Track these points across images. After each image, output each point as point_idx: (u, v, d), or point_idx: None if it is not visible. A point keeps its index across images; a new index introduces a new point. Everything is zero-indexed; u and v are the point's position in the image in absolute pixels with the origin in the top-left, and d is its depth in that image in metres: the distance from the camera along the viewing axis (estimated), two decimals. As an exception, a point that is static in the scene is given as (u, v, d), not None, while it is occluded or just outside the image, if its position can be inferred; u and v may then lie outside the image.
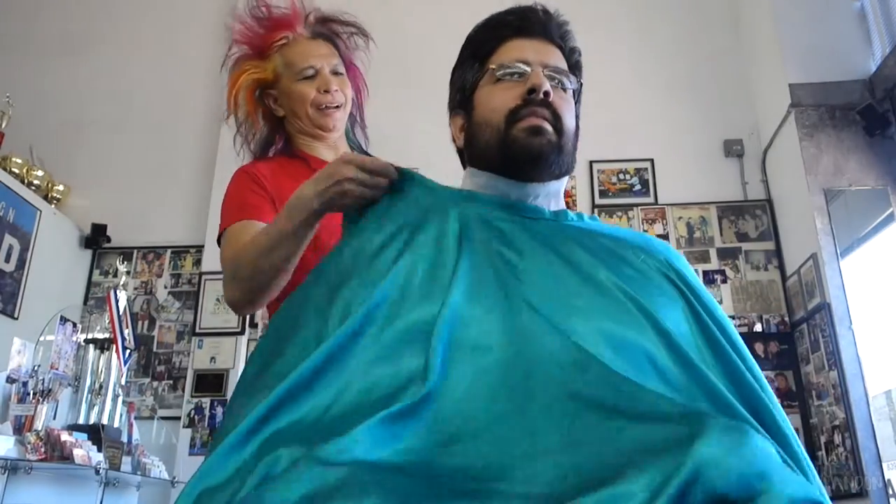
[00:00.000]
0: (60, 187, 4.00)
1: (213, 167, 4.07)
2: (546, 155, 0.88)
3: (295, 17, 1.40)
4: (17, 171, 3.71)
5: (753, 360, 0.80)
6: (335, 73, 1.38)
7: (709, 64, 4.21)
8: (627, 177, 4.05)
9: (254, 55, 1.41)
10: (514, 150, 0.88)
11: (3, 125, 3.63)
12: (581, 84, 0.98)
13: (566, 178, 0.95)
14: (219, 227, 1.29)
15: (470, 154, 0.96)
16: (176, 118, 4.32)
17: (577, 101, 0.97)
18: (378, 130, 4.85)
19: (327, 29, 1.42)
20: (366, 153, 1.47)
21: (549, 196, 0.92)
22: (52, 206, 3.86)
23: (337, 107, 1.38)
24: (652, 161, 4.06)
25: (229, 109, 1.42)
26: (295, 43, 1.39)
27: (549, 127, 0.88)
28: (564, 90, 0.93)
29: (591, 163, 4.05)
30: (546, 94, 0.88)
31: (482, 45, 0.96)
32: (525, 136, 0.87)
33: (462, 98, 0.97)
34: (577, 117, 0.95)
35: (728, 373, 0.75)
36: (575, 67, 0.97)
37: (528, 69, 0.90)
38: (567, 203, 0.98)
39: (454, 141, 1.01)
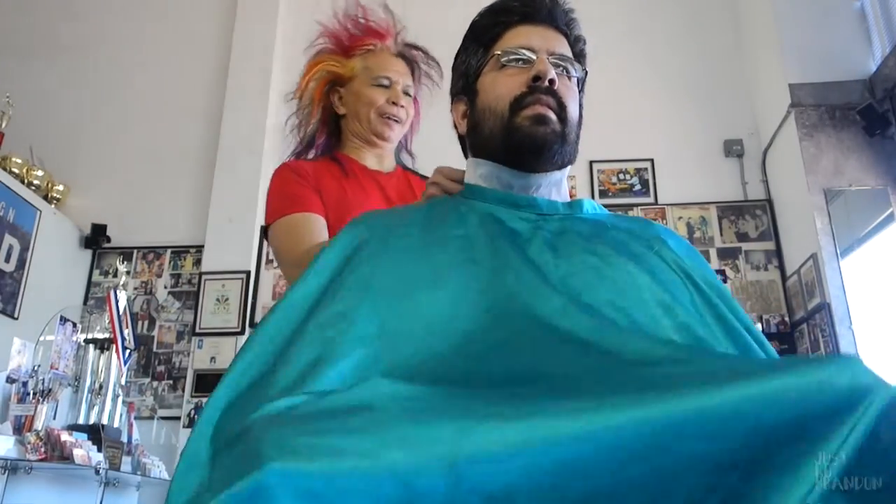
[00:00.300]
0: (60, 187, 4.00)
1: (213, 167, 4.07)
2: (550, 144, 0.87)
3: (387, 32, 1.48)
4: (17, 171, 3.71)
5: (773, 349, 0.79)
6: (406, 92, 1.44)
7: (709, 64, 4.21)
8: (627, 177, 4.05)
9: (337, 51, 1.47)
10: (518, 138, 0.87)
11: (3, 125, 3.63)
12: (586, 73, 0.97)
13: (569, 168, 0.94)
14: (266, 216, 1.34)
15: (472, 141, 0.95)
16: (176, 119, 4.32)
17: (581, 90, 0.96)
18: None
19: (411, 54, 1.49)
20: (412, 171, 1.52)
21: (552, 186, 0.91)
22: (52, 206, 3.86)
23: (398, 121, 1.43)
24: (652, 161, 4.06)
25: (297, 92, 1.48)
26: (379, 53, 1.46)
27: (553, 116, 0.87)
28: (569, 78, 0.92)
29: (591, 163, 4.05)
30: (551, 81, 0.87)
31: (487, 30, 0.95)
32: (529, 125, 0.86)
33: (465, 84, 0.96)
34: (580, 106, 0.94)
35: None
36: (579, 56, 0.96)
37: (533, 56, 0.89)
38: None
39: (455, 128, 1.00)
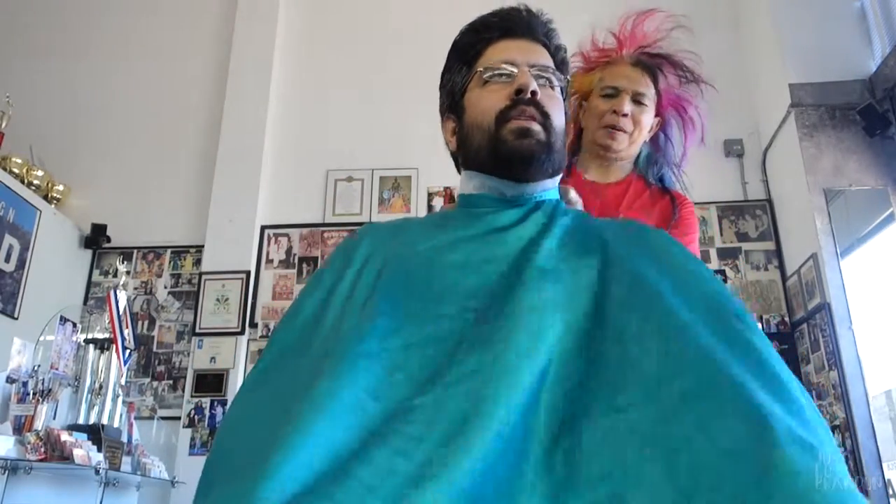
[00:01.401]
0: (60, 187, 4.00)
1: (213, 167, 4.07)
2: (536, 155, 0.88)
3: (626, 40, 1.46)
4: (17, 171, 3.71)
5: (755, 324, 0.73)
6: (636, 100, 1.39)
7: (709, 64, 4.19)
8: (627, 177, 4.05)
9: (584, 68, 1.47)
10: (505, 151, 0.88)
11: (3, 125, 3.63)
12: (568, 81, 0.99)
13: (559, 176, 0.95)
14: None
15: (463, 157, 0.97)
16: (176, 118, 4.32)
17: (566, 98, 0.98)
18: (379, 131, 4.82)
19: (651, 61, 1.45)
20: (659, 184, 1.50)
21: (544, 195, 0.92)
22: (52, 206, 3.86)
23: (622, 131, 1.38)
24: (652, 161, 4.06)
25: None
26: (614, 63, 1.44)
27: (537, 127, 0.89)
28: (552, 88, 0.94)
29: (591, 163, 4.05)
30: (533, 93, 0.89)
31: (468, 48, 0.97)
32: (513, 139, 0.88)
33: (452, 102, 0.98)
34: (566, 114, 0.96)
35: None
36: (561, 65, 0.98)
37: (514, 70, 0.91)
38: None
39: (447, 145, 1.02)
